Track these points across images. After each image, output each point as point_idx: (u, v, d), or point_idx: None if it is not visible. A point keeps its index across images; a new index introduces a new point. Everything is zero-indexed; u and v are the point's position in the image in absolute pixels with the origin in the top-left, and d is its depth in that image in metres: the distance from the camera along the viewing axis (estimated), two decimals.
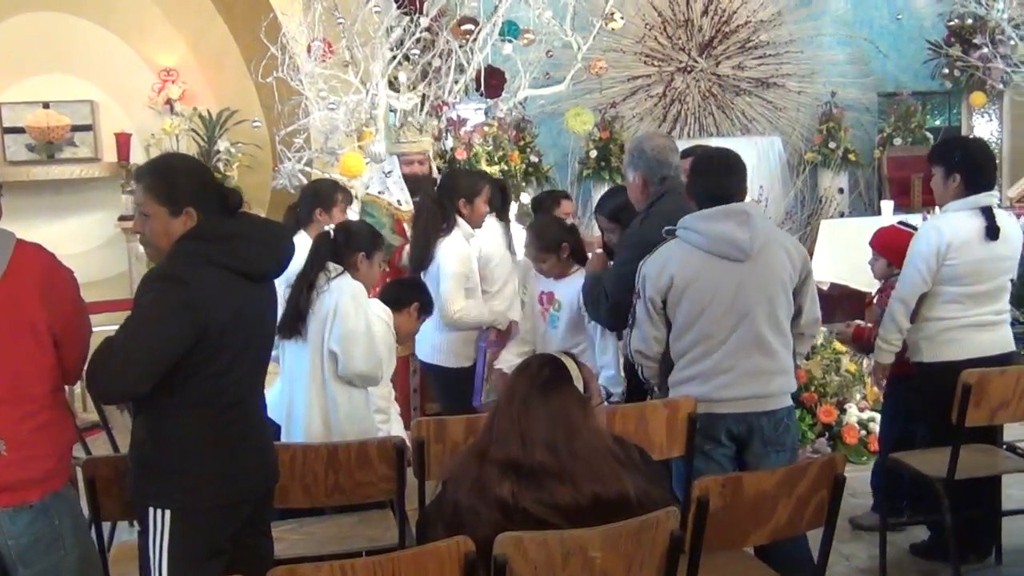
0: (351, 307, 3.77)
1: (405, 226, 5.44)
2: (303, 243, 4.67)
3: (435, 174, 6.03)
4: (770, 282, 3.45)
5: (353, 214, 5.25)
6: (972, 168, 4.04)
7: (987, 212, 3.98)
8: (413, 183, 5.55)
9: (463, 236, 4.74)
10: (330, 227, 4.06)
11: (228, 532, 2.75)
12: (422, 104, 7.06)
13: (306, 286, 3.81)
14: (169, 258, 2.68)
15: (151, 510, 2.68)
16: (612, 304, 3.85)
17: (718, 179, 3.53)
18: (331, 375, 3.81)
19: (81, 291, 2.74)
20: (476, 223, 4.80)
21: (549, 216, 4.57)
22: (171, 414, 2.67)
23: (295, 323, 3.79)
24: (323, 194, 4.85)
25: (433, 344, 4.82)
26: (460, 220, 4.75)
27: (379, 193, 5.65)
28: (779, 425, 3.51)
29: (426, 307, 4.32)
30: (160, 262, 2.71)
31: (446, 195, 4.84)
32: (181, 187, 2.72)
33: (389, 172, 5.60)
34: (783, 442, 3.53)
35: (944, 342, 4.06)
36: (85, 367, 2.66)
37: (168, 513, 2.66)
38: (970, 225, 3.97)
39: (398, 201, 5.50)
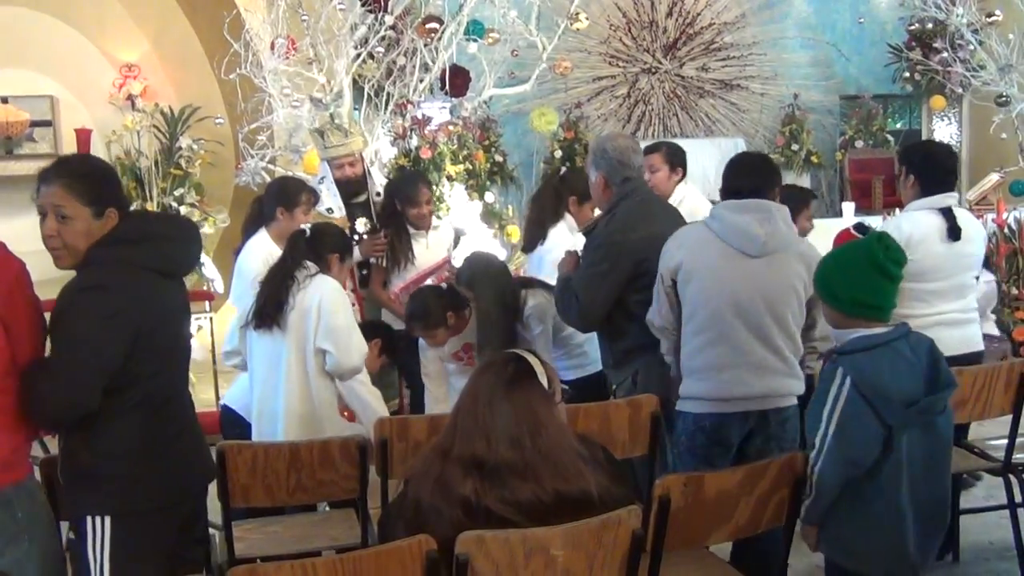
0: (338, 303, 3.76)
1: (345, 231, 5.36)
2: (261, 242, 4.66)
3: (384, 176, 5.96)
4: (780, 285, 3.45)
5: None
6: (925, 170, 4.11)
7: (947, 213, 4.03)
8: (346, 187, 5.42)
9: (568, 229, 4.88)
10: (306, 226, 4.05)
11: (170, 533, 2.72)
12: (387, 103, 7.06)
13: (287, 278, 3.78)
14: (87, 266, 2.61)
15: (89, 519, 2.62)
16: (582, 307, 3.86)
17: (748, 176, 3.60)
18: (316, 370, 3.77)
19: (36, 288, 2.67)
20: (581, 223, 4.81)
21: (421, 293, 4.51)
22: (107, 421, 2.61)
23: (273, 314, 3.75)
24: (288, 193, 4.78)
25: None
26: (568, 215, 4.85)
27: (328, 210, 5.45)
28: (785, 423, 3.51)
29: (387, 346, 4.34)
30: (78, 273, 2.63)
31: (564, 187, 4.93)
32: (104, 187, 2.66)
33: (322, 179, 5.51)
34: (784, 438, 3.52)
35: None
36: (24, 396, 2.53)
37: (108, 520, 2.61)
38: (930, 222, 4.02)
39: (328, 209, 5.33)
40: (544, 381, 2.46)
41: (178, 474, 2.74)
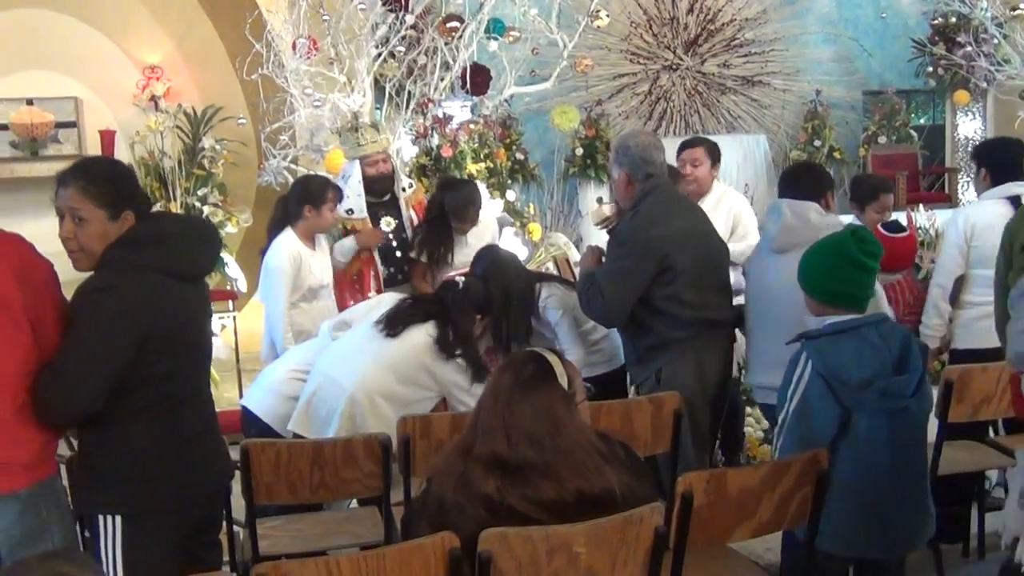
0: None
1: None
2: (288, 240, 4.70)
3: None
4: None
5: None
6: (993, 162, 4.33)
7: (1015, 201, 4.12)
8: (379, 183, 5.44)
9: None
10: (460, 278, 4.03)
11: (182, 533, 2.73)
12: (408, 102, 7.07)
13: (443, 318, 3.80)
14: (100, 268, 2.64)
15: (100, 517, 2.65)
16: (607, 302, 3.86)
17: (792, 186, 3.94)
18: (391, 408, 3.72)
19: (66, 289, 2.71)
20: None
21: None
22: (120, 421, 2.64)
23: (407, 330, 3.77)
24: (313, 191, 4.83)
25: None
26: None
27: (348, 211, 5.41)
28: None
29: None
30: (92, 275, 2.66)
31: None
32: (120, 190, 2.68)
33: (348, 177, 5.53)
34: None
35: (976, 331, 4.20)
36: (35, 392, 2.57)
37: (119, 519, 2.64)
38: (996, 211, 4.21)
39: (349, 210, 5.32)
40: (563, 381, 2.47)
41: (193, 476, 2.74)
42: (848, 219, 4.80)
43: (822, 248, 3.16)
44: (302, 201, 4.80)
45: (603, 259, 4.09)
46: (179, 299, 2.70)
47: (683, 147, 5.21)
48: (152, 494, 2.66)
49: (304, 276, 4.79)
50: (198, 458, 2.78)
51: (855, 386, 2.90)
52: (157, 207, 7.11)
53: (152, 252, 2.65)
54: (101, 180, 2.66)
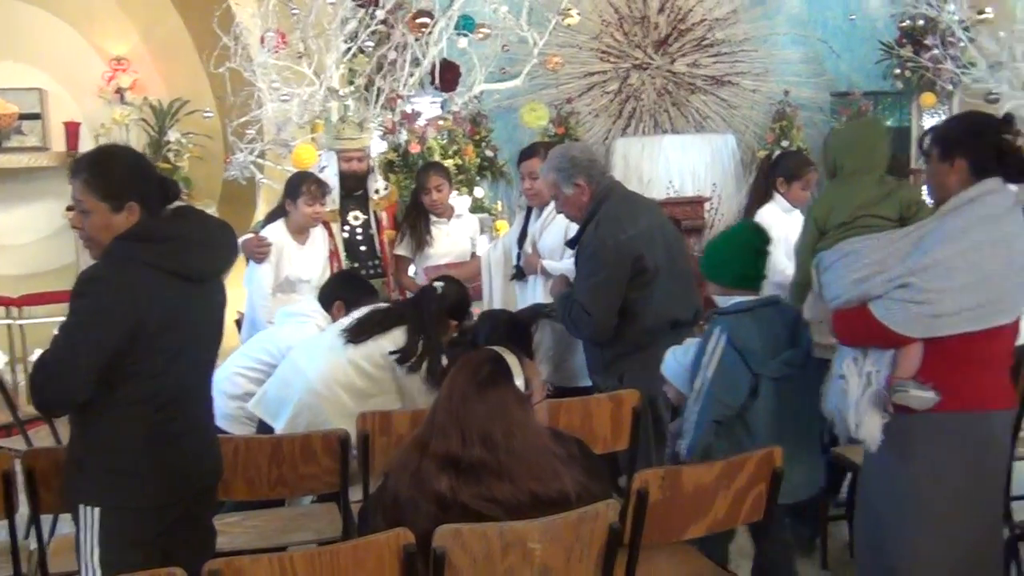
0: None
1: (334, 227, 5.36)
2: (271, 229, 4.92)
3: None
4: None
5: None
6: None
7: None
8: (352, 180, 5.46)
9: (780, 210, 5.11)
10: (439, 284, 4.01)
11: (160, 528, 2.72)
12: (377, 97, 7.05)
13: (416, 325, 3.80)
14: (102, 258, 2.64)
15: (81, 507, 2.66)
16: (595, 319, 3.84)
17: None
18: (351, 399, 3.76)
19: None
20: (791, 201, 5.12)
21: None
22: (104, 413, 2.63)
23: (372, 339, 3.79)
24: (291, 184, 4.98)
25: None
26: (777, 196, 5.13)
27: None
28: None
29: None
30: (94, 263, 2.66)
31: (773, 170, 5.25)
32: (122, 182, 2.66)
33: (323, 168, 5.53)
34: None
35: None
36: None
37: (97, 511, 2.64)
38: None
39: None
40: (520, 382, 2.47)
41: (171, 476, 2.72)
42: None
43: (726, 238, 3.62)
44: (285, 196, 4.99)
45: (570, 281, 4.07)
46: (180, 299, 2.67)
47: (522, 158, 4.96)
48: (132, 489, 2.65)
49: (282, 267, 4.85)
50: (186, 455, 2.76)
51: (762, 355, 3.28)
52: None
53: (153, 249, 2.63)
54: (102, 172, 2.66)
